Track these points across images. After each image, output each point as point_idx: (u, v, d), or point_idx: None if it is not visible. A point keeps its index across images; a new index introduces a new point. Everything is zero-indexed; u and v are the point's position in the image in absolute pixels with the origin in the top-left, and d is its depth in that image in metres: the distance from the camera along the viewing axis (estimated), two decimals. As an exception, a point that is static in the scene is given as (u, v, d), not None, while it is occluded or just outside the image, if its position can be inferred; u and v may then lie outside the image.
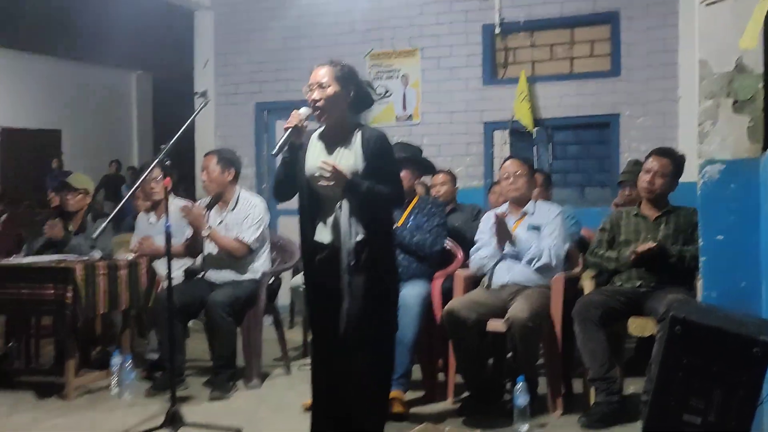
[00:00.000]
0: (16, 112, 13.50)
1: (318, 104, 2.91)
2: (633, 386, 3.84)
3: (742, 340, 2.28)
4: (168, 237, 3.33)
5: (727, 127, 2.95)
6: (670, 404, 2.30)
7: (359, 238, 2.90)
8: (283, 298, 5.17)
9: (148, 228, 4.76)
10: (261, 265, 4.35)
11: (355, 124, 3.02)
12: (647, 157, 3.82)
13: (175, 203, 4.54)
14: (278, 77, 7.22)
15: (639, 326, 3.57)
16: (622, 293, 3.62)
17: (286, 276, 4.90)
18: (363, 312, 2.87)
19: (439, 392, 3.90)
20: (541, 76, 6.54)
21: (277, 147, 2.93)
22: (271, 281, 4.46)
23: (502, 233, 3.75)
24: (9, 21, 10.95)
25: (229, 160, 4.34)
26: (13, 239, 9.19)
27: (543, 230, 3.84)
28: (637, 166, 4.43)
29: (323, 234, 2.99)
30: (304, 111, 2.94)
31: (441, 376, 4.00)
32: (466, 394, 3.80)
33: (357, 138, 2.96)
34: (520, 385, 3.37)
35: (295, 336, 5.32)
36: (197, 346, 4.82)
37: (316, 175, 2.92)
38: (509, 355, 3.85)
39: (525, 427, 3.35)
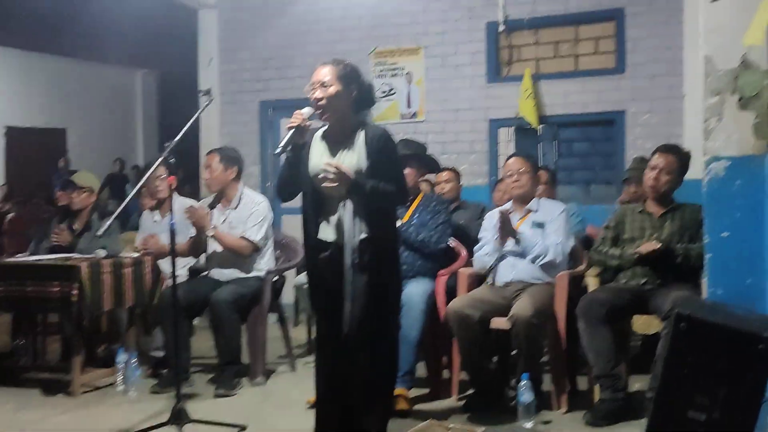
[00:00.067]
0: (21, 111, 13.54)
1: (320, 103, 2.91)
2: (638, 384, 3.83)
3: (747, 337, 2.28)
4: (172, 235, 3.34)
5: (732, 124, 2.94)
6: (674, 401, 2.30)
7: (363, 236, 2.90)
8: (288, 296, 5.17)
9: (153, 226, 4.77)
10: (265, 263, 4.36)
11: (358, 122, 3.02)
12: (652, 154, 3.81)
13: (180, 202, 4.55)
14: (283, 75, 7.22)
15: (644, 324, 3.56)
16: (627, 290, 3.62)
17: (290, 274, 4.90)
18: (366, 310, 2.87)
19: (444, 389, 3.90)
20: (546, 74, 6.53)
21: (280, 147, 2.94)
22: (275, 279, 4.47)
23: (506, 229, 3.74)
24: (14, 20, 10.98)
25: (231, 158, 4.35)
26: (20, 238, 9.25)
27: (547, 227, 3.83)
28: (642, 163, 4.42)
29: (327, 232, 2.99)
30: (306, 110, 2.95)
31: (445, 373, 4.00)
32: (470, 391, 3.80)
33: (360, 136, 2.96)
34: (524, 382, 3.37)
35: (300, 334, 5.33)
36: (202, 344, 4.83)
37: (320, 175, 2.92)
38: (513, 352, 3.85)
39: (529, 424, 3.35)
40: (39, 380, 4.33)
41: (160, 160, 3.42)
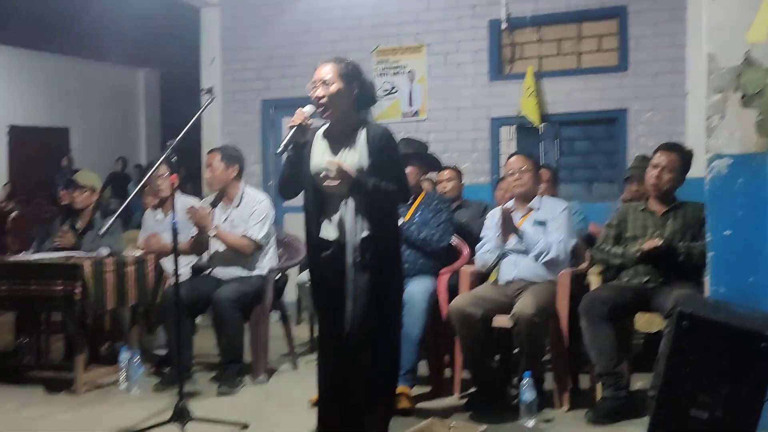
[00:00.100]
0: (24, 110, 13.56)
1: (321, 101, 2.91)
2: (640, 382, 3.83)
3: (750, 335, 2.28)
4: (174, 233, 3.34)
5: (735, 122, 2.94)
6: (677, 399, 2.30)
7: (364, 234, 2.90)
8: (290, 295, 5.18)
9: (156, 225, 4.78)
10: (267, 261, 4.36)
11: (359, 120, 3.02)
12: (654, 153, 3.80)
13: (182, 200, 4.55)
14: (285, 74, 7.22)
15: (646, 322, 3.56)
16: (630, 289, 3.61)
17: (292, 272, 4.91)
18: (368, 309, 2.87)
19: (446, 388, 3.90)
20: (548, 72, 6.52)
21: (282, 145, 2.94)
22: (277, 277, 4.47)
23: (508, 226, 3.74)
24: (16, 19, 10.99)
25: (232, 156, 4.35)
26: (23, 236, 9.27)
27: (549, 225, 3.83)
28: (644, 161, 4.41)
29: (328, 231, 2.99)
30: (308, 109, 2.95)
31: (447, 371, 4.00)
32: (472, 389, 3.80)
33: (362, 135, 2.96)
34: (526, 380, 3.37)
35: (302, 332, 5.33)
36: (205, 342, 4.84)
37: (322, 173, 2.92)
38: (515, 350, 3.85)
39: (531, 422, 3.35)
40: (42, 378, 4.34)
41: (162, 158, 3.42)
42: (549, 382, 3.71)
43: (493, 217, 3.99)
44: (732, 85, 2.94)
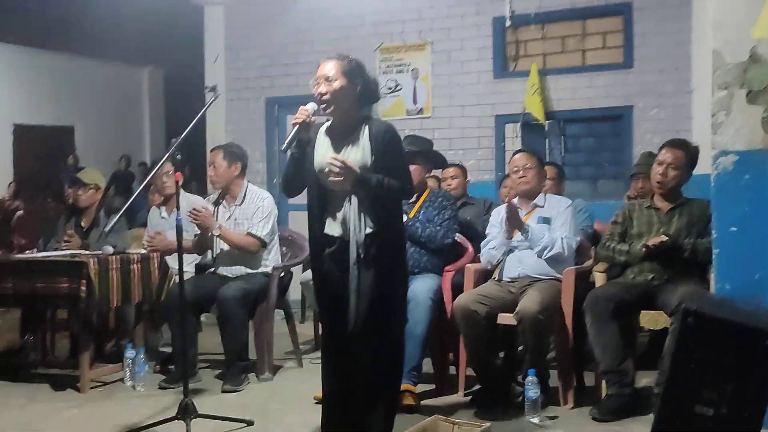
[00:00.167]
0: (28, 109, 13.59)
1: (324, 98, 2.91)
2: (645, 379, 3.82)
3: (755, 332, 2.27)
4: (179, 231, 3.35)
5: (740, 118, 2.93)
6: (682, 396, 2.29)
7: (368, 231, 2.90)
8: (295, 293, 5.18)
9: (161, 223, 4.79)
10: (272, 259, 4.37)
11: (362, 117, 3.01)
12: (660, 149, 3.79)
13: (187, 199, 4.56)
14: (289, 72, 7.22)
15: (651, 319, 3.55)
16: (635, 286, 3.61)
17: (296, 270, 4.91)
18: (372, 305, 2.87)
19: (450, 385, 3.90)
20: (553, 69, 6.51)
21: (285, 143, 2.94)
22: (281, 275, 4.47)
23: (514, 220, 3.74)
24: (20, 17, 11.02)
25: (235, 154, 4.35)
26: (29, 235, 9.29)
27: (554, 222, 3.83)
28: (650, 158, 4.40)
29: (332, 228, 2.99)
30: (311, 106, 2.95)
31: (452, 369, 4.00)
32: (476, 387, 3.80)
33: (365, 132, 2.95)
34: (530, 378, 3.37)
35: (307, 330, 5.33)
36: (210, 340, 4.85)
37: (325, 170, 2.92)
38: (520, 348, 3.85)
39: (536, 419, 3.35)
40: (48, 376, 4.36)
41: (166, 156, 3.43)
42: (554, 380, 3.71)
43: (498, 214, 3.99)
44: (737, 82, 2.93)
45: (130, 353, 4.18)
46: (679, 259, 3.56)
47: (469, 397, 3.76)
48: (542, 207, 3.90)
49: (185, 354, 3.56)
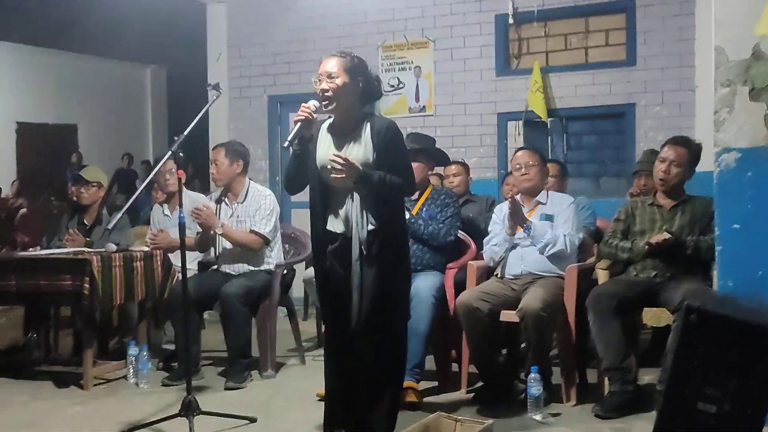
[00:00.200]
0: (32, 107, 13.62)
1: (326, 94, 2.91)
2: (648, 376, 3.82)
3: (758, 329, 2.27)
4: (182, 229, 3.35)
5: (743, 115, 2.92)
6: (685, 393, 2.29)
7: (371, 228, 2.90)
8: (298, 290, 5.19)
9: (164, 220, 4.80)
10: (274, 256, 4.37)
11: (364, 114, 3.02)
12: (662, 147, 3.79)
13: (189, 196, 4.57)
14: (291, 70, 7.23)
15: (654, 316, 3.55)
16: (637, 283, 3.60)
17: (299, 268, 4.92)
18: (375, 302, 2.88)
19: (453, 383, 3.91)
20: (556, 67, 6.50)
21: (287, 140, 2.94)
22: (284, 272, 4.48)
23: (517, 216, 3.73)
24: (24, 16, 11.04)
25: (237, 151, 4.36)
26: (32, 232, 9.31)
27: (556, 219, 3.82)
28: (652, 155, 4.39)
29: (335, 224, 3.00)
30: (312, 103, 2.95)
31: (454, 366, 4.00)
32: (479, 384, 3.80)
33: (366, 128, 2.96)
34: (533, 375, 3.37)
35: (310, 327, 5.34)
36: (213, 337, 4.86)
37: (327, 167, 2.92)
38: (523, 345, 3.85)
39: (539, 416, 3.35)
40: (51, 373, 4.37)
41: (168, 153, 3.43)
42: (556, 377, 3.71)
43: (501, 211, 3.98)
44: (740, 79, 2.93)
45: (133, 350, 4.19)
46: (681, 256, 3.56)
47: (471, 395, 3.77)
48: (545, 204, 3.90)
49: (188, 351, 3.57)
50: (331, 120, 3.06)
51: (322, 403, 3.18)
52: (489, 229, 4.05)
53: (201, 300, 4.16)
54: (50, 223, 5.01)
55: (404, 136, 3.19)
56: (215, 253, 4.40)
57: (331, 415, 3.10)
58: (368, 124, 2.96)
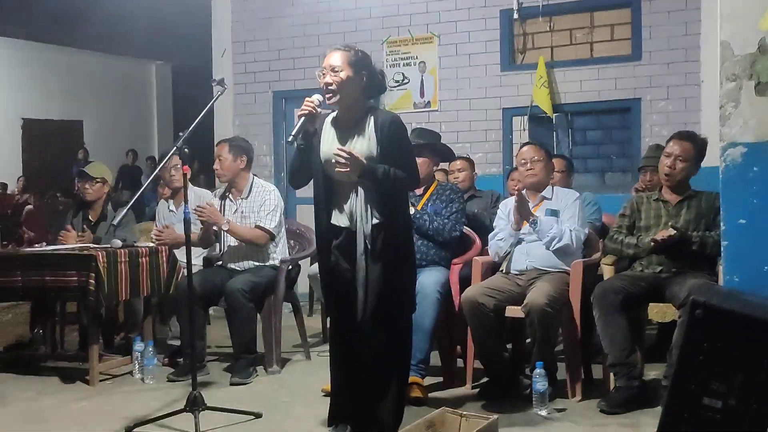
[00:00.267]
0: (37, 104, 13.66)
1: (330, 88, 2.91)
2: (654, 372, 3.82)
3: (764, 324, 2.27)
4: (187, 225, 3.36)
5: (749, 110, 2.90)
6: (690, 388, 2.29)
7: (375, 222, 2.90)
8: (303, 286, 5.19)
9: (169, 216, 4.80)
10: (279, 252, 4.38)
11: (367, 108, 3.01)
12: (668, 142, 3.78)
13: (195, 192, 4.58)
14: (296, 65, 7.23)
15: (659, 312, 3.55)
16: (643, 279, 3.60)
17: (304, 264, 4.92)
18: (380, 297, 2.88)
19: (458, 378, 3.91)
20: (561, 61, 6.48)
21: (291, 135, 2.95)
22: (289, 268, 4.48)
23: (523, 210, 3.73)
24: (29, 13, 11.06)
25: (240, 147, 4.36)
26: (38, 228, 9.34)
27: (562, 215, 3.82)
28: (658, 150, 4.38)
29: (339, 219, 3.00)
30: (317, 97, 2.95)
31: (459, 362, 4.00)
32: (484, 379, 3.80)
33: (370, 122, 2.96)
34: (538, 370, 3.37)
35: (315, 323, 5.35)
36: (218, 333, 4.87)
37: (332, 161, 2.92)
38: (528, 340, 3.84)
39: (544, 412, 3.35)
40: (57, 369, 4.39)
41: (173, 149, 3.43)
42: (561, 372, 3.71)
43: (506, 207, 3.98)
44: (746, 73, 2.91)
45: (138, 346, 4.20)
46: (687, 251, 3.55)
47: (476, 390, 3.77)
48: (550, 199, 3.90)
49: (193, 347, 3.57)
50: (334, 114, 3.06)
51: (327, 398, 3.19)
52: (494, 224, 4.05)
53: (206, 296, 4.17)
54: (56, 220, 5.02)
55: (409, 132, 3.19)
56: (220, 250, 4.41)
57: (336, 410, 3.10)
58: (372, 117, 2.96)
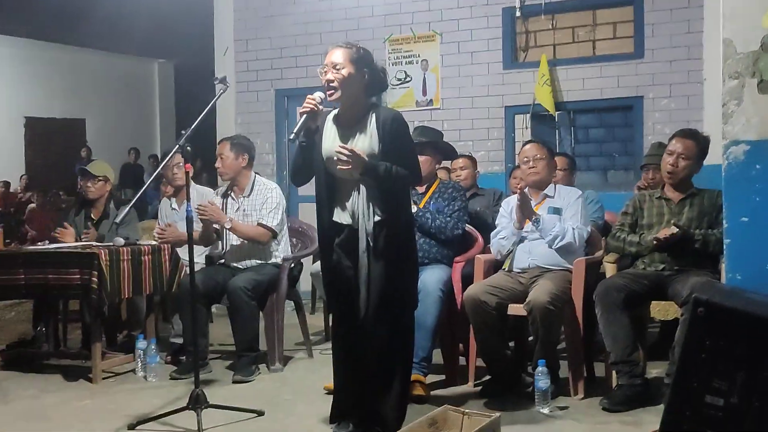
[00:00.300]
0: (40, 102, 13.67)
1: (332, 85, 2.91)
2: (656, 370, 3.82)
3: (766, 322, 2.26)
4: (189, 223, 3.36)
5: (752, 107, 2.90)
6: (692, 386, 2.29)
7: (377, 219, 2.91)
8: (305, 284, 5.20)
9: (171, 214, 4.81)
10: (282, 249, 4.38)
11: (369, 105, 3.02)
12: (670, 140, 3.77)
13: (198, 190, 4.58)
14: (298, 63, 7.23)
15: (662, 310, 3.54)
16: (645, 277, 3.59)
17: (306, 262, 4.93)
18: (383, 293, 2.88)
19: (460, 376, 3.91)
20: (563, 59, 6.48)
21: (293, 132, 2.95)
22: (291, 266, 4.49)
23: (525, 209, 3.73)
24: (32, 11, 11.07)
25: (242, 145, 4.36)
26: (41, 226, 9.35)
27: (564, 213, 3.82)
28: (660, 148, 4.37)
29: (341, 216, 3.00)
30: (318, 95, 2.95)
31: (462, 360, 4.01)
32: (486, 377, 3.80)
33: (372, 119, 2.96)
34: (540, 368, 3.37)
35: (317, 321, 5.35)
36: (220, 331, 4.87)
37: (334, 158, 2.92)
38: (530, 338, 3.84)
39: (546, 410, 3.35)
40: (60, 367, 4.40)
41: (176, 147, 3.44)
42: (564, 370, 3.71)
43: (508, 205, 3.98)
44: (749, 71, 2.90)
45: (141, 344, 4.21)
46: (690, 249, 3.55)
47: (479, 388, 3.77)
48: (552, 198, 3.90)
49: (196, 345, 3.58)
50: (336, 111, 3.06)
51: (330, 396, 3.19)
52: (496, 222, 4.05)
53: (209, 294, 4.18)
54: (59, 218, 5.02)
55: (411, 130, 3.19)
56: (222, 248, 4.41)
57: (339, 408, 3.11)
58: (374, 115, 2.96)
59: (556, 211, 3.82)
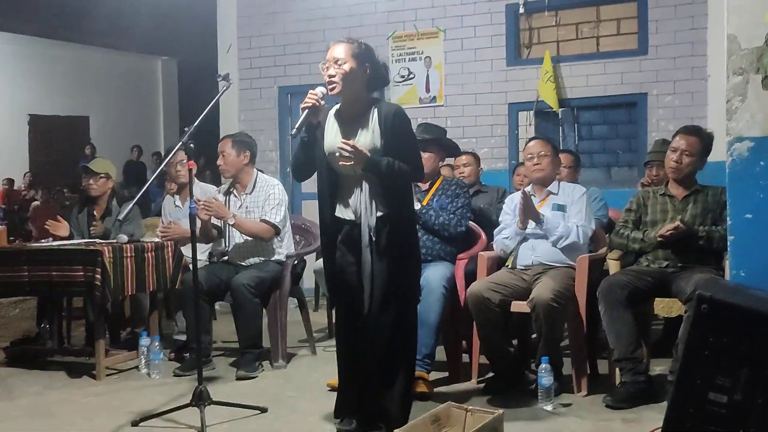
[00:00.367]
0: (44, 100, 13.69)
1: (333, 80, 2.91)
2: (660, 367, 3.81)
3: (770, 318, 2.25)
4: (192, 220, 3.36)
5: (756, 104, 2.89)
6: (696, 383, 2.28)
7: (379, 214, 2.91)
8: (308, 281, 5.20)
9: (175, 211, 4.81)
10: (285, 246, 4.38)
11: (371, 100, 3.01)
12: (674, 136, 3.76)
13: (201, 187, 4.58)
14: (301, 60, 7.22)
15: (665, 307, 3.53)
16: (649, 273, 3.59)
17: (309, 259, 4.93)
18: (386, 291, 2.88)
19: (464, 373, 3.91)
20: (567, 56, 6.46)
21: (295, 128, 2.95)
22: (295, 263, 4.49)
23: (529, 211, 3.72)
24: (35, 8, 11.09)
25: (244, 142, 4.36)
26: (45, 224, 9.36)
27: (568, 210, 3.81)
28: (664, 145, 4.37)
29: (343, 212, 3.00)
30: (320, 90, 2.95)
31: (465, 357, 4.01)
32: (490, 374, 3.80)
33: (374, 115, 2.95)
34: (544, 365, 3.37)
35: (320, 318, 5.36)
36: (224, 328, 4.88)
37: (336, 153, 2.92)
38: (533, 335, 3.84)
39: (549, 406, 3.35)
40: (64, 363, 4.41)
41: (179, 145, 3.44)
42: (567, 367, 3.71)
43: (512, 202, 3.97)
44: (753, 67, 2.89)
45: (145, 341, 4.22)
46: (693, 246, 3.54)
47: (482, 385, 3.77)
48: (556, 194, 3.89)
49: (199, 342, 3.58)
50: (338, 106, 3.06)
51: (333, 393, 3.19)
52: (500, 219, 4.04)
53: (212, 291, 4.18)
54: (63, 215, 5.03)
55: (414, 126, 3.18)
56: (225, 245, 4.42)
57: (342, 404, 3.11)
58: (376, 110, 2.96)
59: (560, 208, 3.81)
